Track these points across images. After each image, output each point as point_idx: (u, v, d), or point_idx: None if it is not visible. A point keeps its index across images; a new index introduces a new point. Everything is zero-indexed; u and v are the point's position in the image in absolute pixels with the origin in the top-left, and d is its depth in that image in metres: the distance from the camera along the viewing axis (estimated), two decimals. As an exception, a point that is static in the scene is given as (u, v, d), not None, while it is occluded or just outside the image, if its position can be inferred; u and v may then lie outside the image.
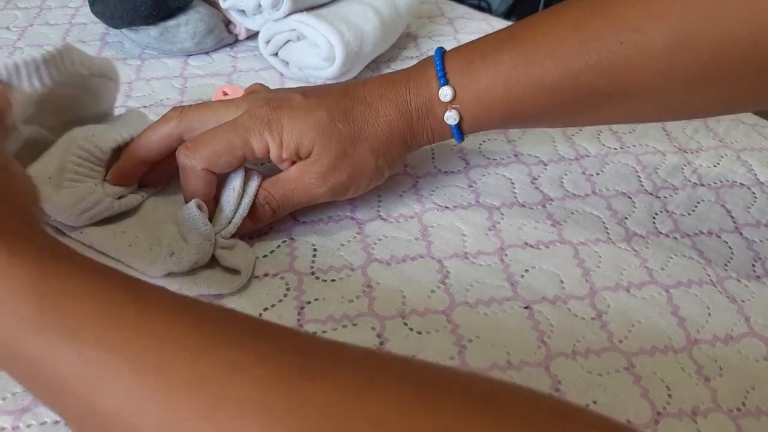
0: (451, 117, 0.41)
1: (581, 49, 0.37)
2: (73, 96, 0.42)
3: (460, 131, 0.42)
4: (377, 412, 0.22)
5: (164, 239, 0.39)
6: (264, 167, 0.43)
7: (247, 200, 0.41)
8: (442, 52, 0.41)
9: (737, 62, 0.34)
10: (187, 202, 0.40)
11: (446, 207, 0.46)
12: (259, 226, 0.42)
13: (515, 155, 0.51)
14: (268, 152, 0.40)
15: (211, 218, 0.40)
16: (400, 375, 0.24)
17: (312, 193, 0.41)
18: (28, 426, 0.33)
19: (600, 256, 0.43)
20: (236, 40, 0.63)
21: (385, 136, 0.41)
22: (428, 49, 0.64)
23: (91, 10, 0.60)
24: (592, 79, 0.37)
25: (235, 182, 0.41)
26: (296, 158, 0.41)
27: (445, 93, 0.40)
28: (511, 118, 0.41)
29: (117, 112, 0.48)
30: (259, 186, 0.41)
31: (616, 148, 0.52)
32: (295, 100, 0.40)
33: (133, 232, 0.41)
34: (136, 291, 0.27)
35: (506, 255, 0.43)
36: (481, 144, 0.52)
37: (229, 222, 0.40)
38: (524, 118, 0.41)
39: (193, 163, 0.39)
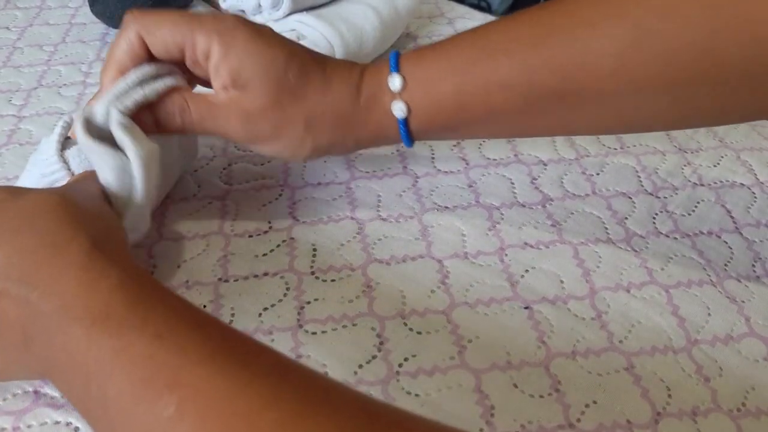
0: (398, 108, 0.38)
1: (536, 44, 0.36)
2: None
3: (407, 129, 0.39)
4: None
5: None
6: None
7: (158, 85, 0.37)
8: (399, 52, 0.40)
9: (690, 69, 0.33)
10: (104, 70, 0.38)
11: (446, 207, 0.46)
12: (159, 130, 0.39)
13: (515, 155, 0.51)
14: (208, 58, 0.37)
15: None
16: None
17: (228, 127, 0.39)
18: (29, 426, 0.33)
19: (600, 257, 0.43)
20: (236, 40, 0.62)
21: (326, 112, 0.39)
22: (428, 49, 0.64)
23: (91, 10, 0.60)
24: (545, 77, 0.35)
25: (160, 67, 0.38)
26: (229, 83, 0.37)
27: (394, 81, 0.38)
28: (462, 118, 0.38)
29: None
30: (179, 89, 0.38)
31: (616, 148, 0.52)
32: (265, 30, 0.38)
33: None
34: (219, 321, 0.28)
35: (506, 255, 0.43)
36: (481, 144, 0.52)
37: (128, 96, 0.37)
38: (475, 118, 0.38)
39: (129, 23, 0.37)
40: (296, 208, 0.46)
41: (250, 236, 0.43)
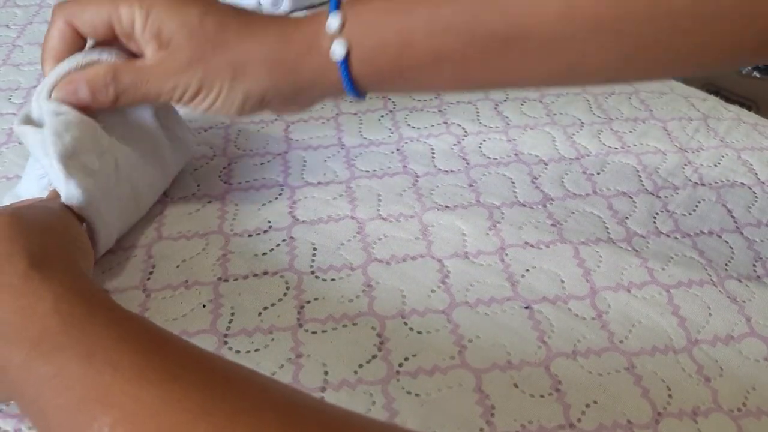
0: (337, 49, 0.36)
1: None
2: None
3: (349, 74, 0.37)
4: None
5: None
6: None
7: (84, 59, 0.38)
8: None
9: (639, 6, 0.32)
10: (42, 61, 0.39)
11: (446, 206, 0.46)
12: (94, 104, 0.39)
13: (515, 154, 0.51)
14: (133, 27, 0.38)
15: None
16: None
17: (162, 88, 0.39)
18: (30, 428, 0.33)
19: (600, 256, 0.43)
20: (236, 39, 0.62)
21: (251, 58, 0.38)
22: (428, 47, 0.63)
23: (91, 8, 0.60)
24: (490, 20, 0.34)
25: (92, 50, 0.39)
26: (156, 45, 0.38)
27: (333, 21, 0.36)
28: (406, 60, 0.36)
29: None
30: (109, 64, 0.39)
31: (616, 148, 0.52)
32: None
33: None
34: (155, 330, 0.28)
35: (506, 255, 0.43)
36: (481, 144, 0.52)
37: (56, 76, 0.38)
38: (420, 62, 0.36)
39: (56, 13, 0.38)
40: (296, 208, 0.46)
41: (250, 235, 0.43)
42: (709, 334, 0.39)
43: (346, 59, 0.36)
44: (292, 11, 0.55)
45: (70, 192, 0.37)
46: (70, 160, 0.37)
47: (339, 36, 0.36)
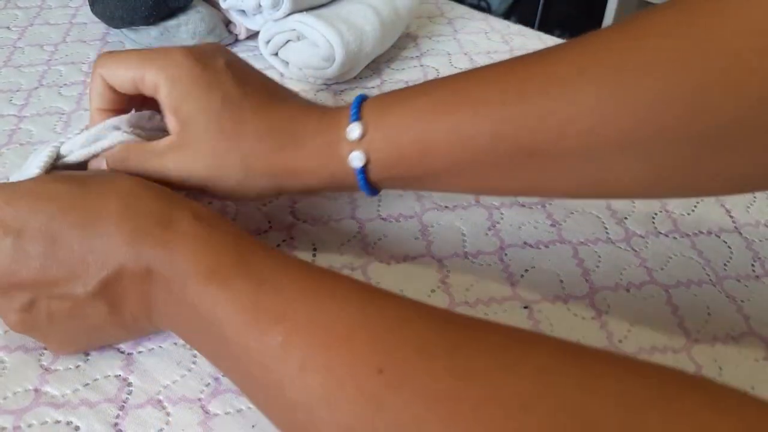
0: (356, 158, 0.36)
1: (502, 97, 0.33)
2: None
3: (366, 180, 0.37)
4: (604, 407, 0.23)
5: None
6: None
7: (98, 146, 0.38)
8: (365, 96, 0.38)
9: (673, 127, 0.30)
10: (90, 109, 0.40)
11: (446, 207, 0.46)
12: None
13: (515, 155, 0.51)
14: (158, 92, 0.37)
15: None
16: (612, 366, 0.25)
17: (168, 172, 0.38)
18: (29, 425, 0.33)
19: (599, 256, 0.43)
20: (236, 40, 0.63)
21: (262, 161, 0.37)
22: (428, 49, 0.64)
23: (92, 10, 0.60)
24: (512, 132, 0.33)
25: (108, 125, 0.39)
26: (175, 120, 0.37)
27: (353, 132, 0.36)
28: (425, 169, 0.36)
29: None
30: (125, 144, 0.39)
31: (615, 148, 0.52)
32: (210, 66, 0.38)
33: None
34: (315, 267, 0.32)
35: (506, 255, 0.43)
36: (480, 144, 0.52)
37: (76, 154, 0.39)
38: (439, 170, 0.36)
39: (94, 67, 0.39)
40: (296, 208, 0.46)
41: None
42: (708, 334, 0.39)
43: (364, 167, 0.36)
44: (291, 12, 0.55)
45: None
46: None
47: (358, 147, 0.36)
